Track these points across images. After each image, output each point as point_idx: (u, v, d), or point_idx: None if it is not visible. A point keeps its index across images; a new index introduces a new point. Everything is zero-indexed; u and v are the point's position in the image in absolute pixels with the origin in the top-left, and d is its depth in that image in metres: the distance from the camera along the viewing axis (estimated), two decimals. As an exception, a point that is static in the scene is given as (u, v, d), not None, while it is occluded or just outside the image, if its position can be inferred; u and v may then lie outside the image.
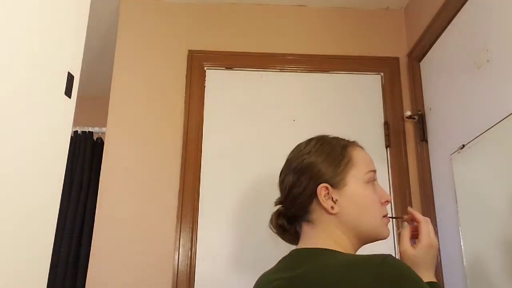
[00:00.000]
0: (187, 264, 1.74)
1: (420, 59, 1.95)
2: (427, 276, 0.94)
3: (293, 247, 0.99)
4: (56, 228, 1.12)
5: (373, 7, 2.12)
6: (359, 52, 2.05)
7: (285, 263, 0.95)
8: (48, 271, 1.08)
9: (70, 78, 1.18)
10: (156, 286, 1.72)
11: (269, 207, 1.06)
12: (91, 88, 2.65)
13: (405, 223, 1.03)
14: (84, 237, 2.03)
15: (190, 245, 1.76)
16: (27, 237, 1.01)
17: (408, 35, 2.07)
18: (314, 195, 0.95)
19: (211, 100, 1.96)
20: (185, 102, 1.94)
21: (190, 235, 1.77)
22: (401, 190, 1.86)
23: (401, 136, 1.93)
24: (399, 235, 1.02)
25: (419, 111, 1.89)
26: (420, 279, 0.80)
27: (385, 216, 0.98)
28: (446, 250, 1.66)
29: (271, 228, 1.05)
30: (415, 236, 1.00)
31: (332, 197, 0.94)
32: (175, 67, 2.00)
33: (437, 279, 0.96)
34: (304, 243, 0.96)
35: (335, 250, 0.90)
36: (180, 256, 1.75)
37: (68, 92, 1.16)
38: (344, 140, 1.03)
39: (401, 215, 1.05)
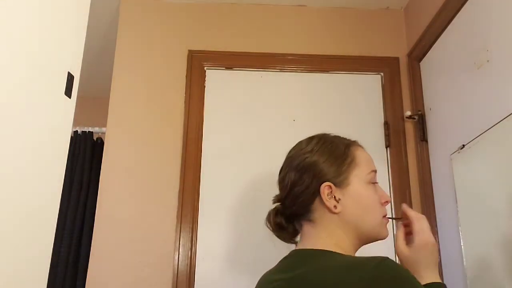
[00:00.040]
0: (187, 264, 1.74)
1: (420, 59, 1.95)
2: (430, 276, 0.91)
3: (291, 246, 0.99)
4: (56, 228, 1.12)
5: (373, 7, 2.12)
6: (359, 52, 2.05)
7: (285, 263, 0.95)
8: (48, 271, 1.08)
9: (70, 78, 1.18)
10: (156, 286, 1.72)
11: (269, 207, 1.06)
12: (91, 88, 2.65)
13: (399, 223, 1.02)
14: (84, 237, 2.03)
15: (190, 245, 1.76)
16: (27, 237, 1.01)
17: (408, 35, 2.07)
18: (316, 193, 0.94)
19: (211, 100, 1.96)
20: (185, 102, 1.94)
21: (190, 235, 1.77)
22: (401, 190, 1.86)
23: (401, 136, 1.93)
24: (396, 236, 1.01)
25: (419, 111, 1.89)
26: (417, 282, 0.80)
27: (384, 216, 0.98)
28: (446, 250, 1.66)
29: (267, 226, 1.03)
30: (411, 234, 0.99)
31: (334, 196, 0.94)
32: (175, 67, 2.00)
33: None
34: (304, 244, 0.96)
35: (334, 252, 0.89)
36: (180, 256, 1.75)
37: (68, 92, 1.16)
38: (346, 139, 1.03)
39: (401, 216, 1.04)
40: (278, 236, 1.03)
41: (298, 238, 1.02)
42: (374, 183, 0.99)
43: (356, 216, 0.94)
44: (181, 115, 1.93)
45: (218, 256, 1.76)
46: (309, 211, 0.96)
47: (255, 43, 2.05)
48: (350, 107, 1.96)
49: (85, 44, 1.26)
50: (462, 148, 1.55)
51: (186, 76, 1.98)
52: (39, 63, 1.07)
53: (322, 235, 0.94)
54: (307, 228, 0.97)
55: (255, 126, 1.93)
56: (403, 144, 1.92)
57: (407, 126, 1.94)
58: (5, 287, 0.93)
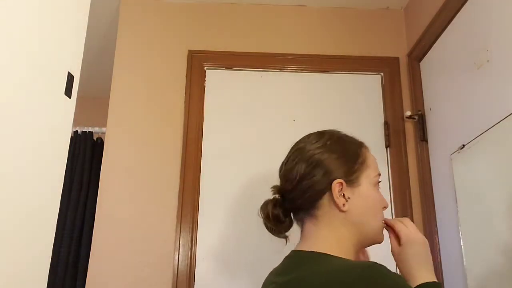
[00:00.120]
0: (187, 264, 1.74)
1: (420, 59, 1.95)
2: (425, 276, 0.90)
3: (290, 246, 0.98)
4: (56, 228, 1.12)
5: (373, 7, 2.12)
6: (359, 52, 2.05)
7: (285, 265, 0.95)
8: (48, 271, 1.08)
9: (70, 78, 1.18)
10: (156, 286, 1.72)
11: (269, 207, 1.05)
12: (91, 88, 2.64)
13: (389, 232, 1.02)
14: (84, 237, 2.03)
15: (190, 245, 1.76)
16: (27, 237, 1.01)
17: (408, 35, 2.07)
18: (325, 190, 0.93)
19: (211, 100, 1.96)
20: (185, 102, 1.94)
21: (190, 235, 1.77)
22: (401, 190, 1.86)
23: (401, 136, 1.93)
24: None
25: (419, 111, 1.89)
26: (406, 285, 0.81)
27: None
28: (446, 250, 1.66)
29: (260, 215, 0.99)
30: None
31: (344, 194, 0.93)
32: (175, 67, 2.00)
33: (437, 279, 0.92)
34: (303, 244, 0.96)
35: (330, 255, 0.89)
36: (180, 256, 1.75)
37: (68, 92, 1.17)
38: (355, 139, 1.02)
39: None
40: (270, 228, 0.99)
41: (289, 233, 1.00)
42: (378, 183, 0.99)
43: (361, 216, 0.94)
44: (181, 115, 1.93)
45: (218, 256, 1.76)
46: (315, 207, 0.95)
47: (255, 43, 2.05)
48: (350, 107, 1.96)
49: (85, 44, 1.26)
50: (462, 148, 1.55)
51: (186, 76, 1.98)
52: (39, 63, 1.07)
53: (324, 233, 0.93)
54: (308, 225, 0.96)
55: (255, 126, 1.93)
56: (403, 144, 1.92)
57: (407, 126, 1.94)
58: (5, 287, 0.93)
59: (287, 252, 0.97)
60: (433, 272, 0.93)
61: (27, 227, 1.01)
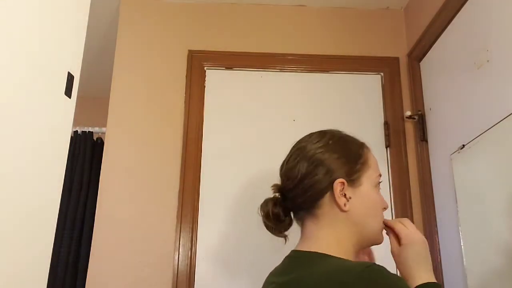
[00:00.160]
0: (187, 264, 1.74)
1: (420, 59, 1.95)
2: (424, 277, 0.90)
3: (290, 246, 0.98)
4: (56, 228, 1.12)
5: (373, 7, 2.12)
6: (359, 52, 2.05)
7: (284, 265, 0.95)
8: (48, 272, 1.08)
9: (70, 78, 1.18)
10: (156, 286, 1.72)
11: (269, 207, 1.05)
12: (91, 88, 2.64)
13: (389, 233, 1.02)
14: (84, 237, 2.03)
15: (190, 245, 1.76)
16: (27, 237, 1.01)
17: (408, 35, 2.07)
18: (327, 189, 0.93)
19: (211, 100, 1.96)
20: (185, 102, 1.94)
21: (190, 235, 1.77)
22: (401, 190, 1.86)
23: (401, 136, 1.93)
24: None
25: (419, 111, 1.89)
26: (406, 286, 0.81)
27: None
28: (446, 250, 1.66)
29: (260, 214, 0.99)
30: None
31: (345, 194, 0.93)
32: (175, 67, 2.00)
33: (437, 279, 0.93)
34: (303, 244, 0.96)
35: (329, 255, 0.89)
36: (180, 256, 1.75)
37: (68, 92, 1.17)
38: (356, 139, 1.02)
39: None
40: (270, 227, 0.99)
41: (288, 232, 1.00)
42: (379, 184, 0.99)
43: (362, 217, 0.94)
44: (181, 115, 1.93)
45: (218, 256, 1.76)
46: (315, 206, 0.94)
47: (255, 43, 2.05)
48: (350, 107, 1.96)
49: (85, 44, 1.26)
50: (462, 148, 1.55)
51: (186, 76, 1.98)
52: (39, 63, 1.07)
53: (324, 232, 0.93)
54: (308, 224, 0.96)
55: (255, 126, 1.93)
56: (403, 144, 1.92)
57: (407, 126, 1.94)
58: (5, 287, 0.93)
59: (287, 252, 0.97)
60: (433, 272, 0.93)
61: (27, 227, 1.01)
